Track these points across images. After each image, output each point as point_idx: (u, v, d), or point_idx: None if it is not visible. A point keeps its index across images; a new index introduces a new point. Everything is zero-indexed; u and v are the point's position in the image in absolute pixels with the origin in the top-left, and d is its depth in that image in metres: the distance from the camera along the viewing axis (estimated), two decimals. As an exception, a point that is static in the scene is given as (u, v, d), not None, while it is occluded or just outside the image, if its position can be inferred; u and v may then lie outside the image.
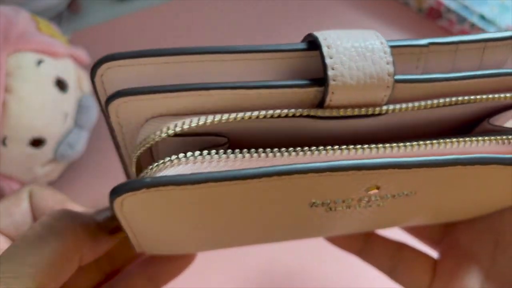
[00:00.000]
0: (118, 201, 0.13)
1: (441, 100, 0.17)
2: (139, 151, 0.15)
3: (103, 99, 0.15)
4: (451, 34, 0.49)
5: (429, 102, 0.17)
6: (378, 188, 0.16)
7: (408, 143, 0.16)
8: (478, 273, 0.21)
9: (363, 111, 0.16)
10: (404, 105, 0.17)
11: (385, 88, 0.16)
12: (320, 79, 0.15)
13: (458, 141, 0.16)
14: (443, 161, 0.15)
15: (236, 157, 0.14)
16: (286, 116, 0.15)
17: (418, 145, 0.16)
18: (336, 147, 0.15)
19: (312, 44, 0.16)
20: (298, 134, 0.18)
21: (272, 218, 0.18)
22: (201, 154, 0.14)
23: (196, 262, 0.24)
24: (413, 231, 0.26)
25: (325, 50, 0.15)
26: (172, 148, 0.16)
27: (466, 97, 0.17)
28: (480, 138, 0.17)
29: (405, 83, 0.16)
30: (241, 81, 0.15)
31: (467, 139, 0.16)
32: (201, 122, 0.14)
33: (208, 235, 0.19)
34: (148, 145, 0.15)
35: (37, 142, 0.36)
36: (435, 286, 0.23)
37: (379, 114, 0.17)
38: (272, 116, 0.15)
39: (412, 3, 0.52)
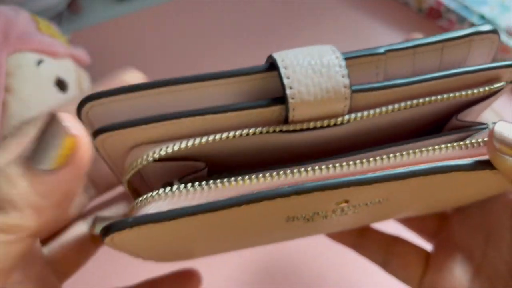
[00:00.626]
0: (108, 239, 0.15)
1: (403, 104, 0.18)
2: (127, 176, 0.16)
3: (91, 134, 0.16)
4: (451, 34, 0.49)
5: (390, 107, 0.18)
6: (347, 201, 0.17)
7: (371, 159, 0.16)
8: (469, 266, 0.22)
9: (325, 122, 0.17)
10: (365, 113, 0.17)
11: (343, 100, 0.17)
12: (281, 98, 0.16)
13: (420, 151, 0.17)
14: (402, 174, 0.15)
15: (209, 188, 0.15)
16: (254, 134, 0.16)
17: (381, 159, 0.16)
18: (302, 169, 0.16)
19: (272, 65, 0.16)
20: (270, 148, 0.18)
21: (254, 231, 0.19)
22: (178, 189, 0.15)
23: (193, 261, 0.24)
24: (409, 224, 0.26)
25: (282, 71, 0.16)
26: (157, 172, 0.17)
27: (427, 99, 0.18)
28: (443, 146, 0.17)
29: (364, 92, 0.17)
30: (209, 107, 0.16)
31: (429, 148, 0.17)
32: (176, 148, 0.16)
33: (198, 247, 0.20)
34: (133, 171, 0.16)
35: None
36: (427, 278, 0.23)
37: (342, 124, 0.17)
38: (241, 135, 0.16)
39: (412, 3, 0.52)
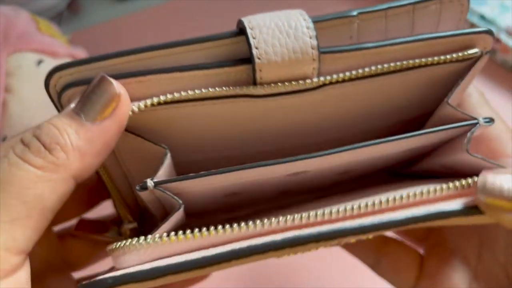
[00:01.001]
0: None
1: (373, 68, 0.17)
2: None
3: (58, 104, 0.17)
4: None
5: (360, 70, 0.17)
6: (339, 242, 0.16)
7: (363, 203, 0.16)
8: (465, 272, 0.21)
9: (294, 84, 0.17)
10: (335, 76, 0.17)
11: (312, 61, 0.17)
12: (248, 59, 0.16)
13: (414, 195, 0.16)
14: (393, 223, 0.15)
15: (194, 237, 0.15)
16: (225, 97, 0.17)
17: (373, 204, 0.15)
18: (289, 216, 0.15)
19: (242, 30, 0.17)
20: (241, 128, 0.19)
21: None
22: (158, 238, 0.15)
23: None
24: None
25: (249, 31, 0.16)
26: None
27: (398, 63, 0.18)
28: (431, 188, 0.16)
29: (333, 54, 0.17)
30: (176, 66, 0.16)
31: (417, 192, 0.16)
32: (142, 106, 0.16)
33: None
34: None
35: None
36: (422, 284, 0.22)
37: (313, 89, 0.17)
38: (210, 97, 0.16)
39: (412, 3, 0.52)
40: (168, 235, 0.15)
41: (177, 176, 0.18)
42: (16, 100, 0.34)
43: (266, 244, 0.14)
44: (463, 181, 0.16)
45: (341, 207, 0.15)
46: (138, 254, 0.15)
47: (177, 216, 0.16)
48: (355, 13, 0.18)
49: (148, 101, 0.16)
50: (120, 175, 0.20)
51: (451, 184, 0.16)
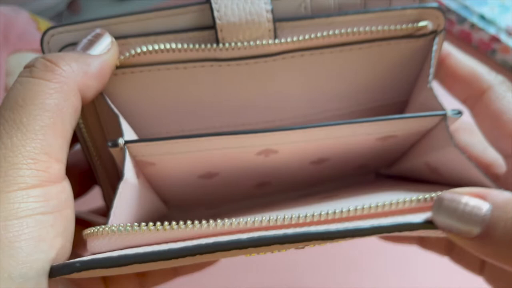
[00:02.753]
0: (56, 279, 0.15)
1: (325, 33, 0.19)
2: None
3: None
4: (451, 34, 0.49)
5: (318, 34, 0.19)
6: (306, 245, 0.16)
7: (331, 210, 0.16)
8: None
9: (252, 44, 0.19)
10: (289, 39, 0.19)
11: (267, 23, 0.19)
12: (212, 26, 0.19)
13: (383, 205, 0.16)
14: (358, 231, 0.15)
15: (164, 229, 0.16)
16: (194, 60, 0.19)
17: (341, 212, 0.16)
18: (263, 217, 0.16)
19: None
20: (212, 100, 0.21)
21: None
22: (132, 227, 0.15)
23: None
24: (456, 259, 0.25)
25: None
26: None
27: (349, 29, 0.19)
28: (406, 199, 0.16)
29: (287, 22, 0.19)
30: (151, 31, 0.19)
31: (386, 203, 0.16)
32: (133, 52, 0.19)
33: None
34: None
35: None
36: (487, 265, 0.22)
37: (273, 55, 0.19)
38: (181, 60, 0.19)
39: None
40: (139, 225, 0.15)
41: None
42: (16, 100, 0.34)
43: (231, 241, 0.14)
44: (432, 194, 0.16)
45: (309, 212, 0.16)
46: (109, 240, 0.15)
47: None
48: None
49: (132, 51, 0.19)
50: (103, 141, 0.21)
51: (420, 196, 0.16)
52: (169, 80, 0.20)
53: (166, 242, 0.16)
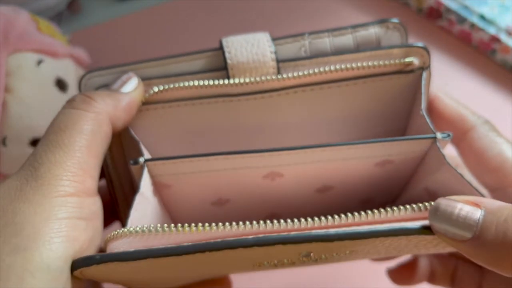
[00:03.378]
0: (77, 272, 0.17)
1: (322, 69, 0.22)
2: None
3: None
4: (451, 34, 0.49)
5: (316, 69, 0.22)
6: (309, 253, 0.17)
7: (330, 217, 0.17)
8: None
9: (259, 80, 0.22)
10: (295, 74, 0.22)
11: (271, 62, 0.22)
12: (224, 67, 0.22)
13: (379, 212, 0.17)
14: (360, 234, 0.16)
15: (178, 230, 0.17)
16: (209, 96, 0.22)
17: (340, 218, 0.17)
18: (268, 221, 0.17)
19: (220, 46, 0.22)
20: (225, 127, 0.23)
21: (222, 268, 0.21)
22: (149, 228, 0.17)
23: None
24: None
25: (224, 44, 0.22)
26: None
27: (343, 65, 0.22)
28: (401, 207, 0.17)
29: (289, 62, 0.22)
30: (173, 72, 0.22)
31: (388, 209, 0.17)
32: (156, 90, 0.22)
33: (169, 279, 0.21)
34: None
35: (37, 142, 0.36)
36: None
37: (278, 90, 0.22)
38: (198, 97, 0.22)
39: (412, 3, 0.52)
40: (157, 227, 0.17)
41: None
42: (16, 100, 0.34)
43: (238, 240, 0.16)
44: (426, 204, 0.17)
45: (310, 219, 0.17)
46: (129, 241, 0.17)
47: (140, 201, 0.19)
48: (306, 34, 0.23)
49: (156, 88, 0.22)
50: (126, 172, 0.23)
51: (417, 206, 0.17)
52: (186, 113, 0.22)
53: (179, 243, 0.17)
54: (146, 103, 0.22)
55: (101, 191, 0.23)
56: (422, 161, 0.22)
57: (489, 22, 0.46)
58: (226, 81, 0.22)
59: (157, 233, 0.17)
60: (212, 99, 0.22)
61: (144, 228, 0.17)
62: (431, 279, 0.27)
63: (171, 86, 0.21)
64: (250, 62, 0.22)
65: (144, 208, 0.20)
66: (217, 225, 0.17)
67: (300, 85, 0.22)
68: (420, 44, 0.22)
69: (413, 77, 0.23)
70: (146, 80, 0.22)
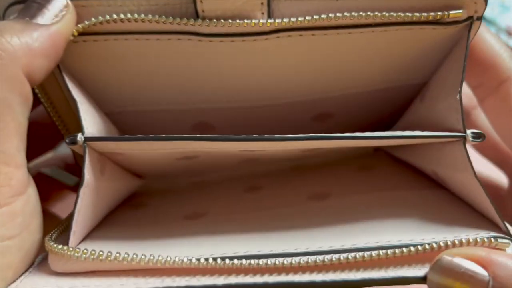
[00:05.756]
0: None
1: (332, 15, 0.16)
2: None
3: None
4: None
5: (320, 16, 0.15)
6: None
7: (314, 258, 0.14)
8: None
9: (239, 23, 0.15)
10: (286, 19, 0.16)
11: None
12: None
13: (365, 256, 0.15)
14: (345, 283, 0.14)
15: (137, 262, 0.14)
16: (169, 32, 0.16)
17: (331, 260, 0.14)
18: (246, 261, 0.14)
19: None
20: (190, 77, 0.18)
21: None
22: (104, 253, 0.15)
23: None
24: None
25: None
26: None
27: (364, 13, 0.16)
28: (397, 251, 0.15)
29: None
30: None
31: (373, 253, 0.15)
32: (93, 21, 0.16)
33: None
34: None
35: None
36: None
37: (265, 33, 0.16)
38: (155, 31, 0.16)
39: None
40: (94, 253, 0.14)
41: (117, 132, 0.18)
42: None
43: (206, 286, 0.14)
44: (420, 247, 0.14)
45: (295, 259, 0.14)
46: (73, 263, 0.15)
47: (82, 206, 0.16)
48: None
49: (87, 22, 0.16)
50: (62, 100, 0.19)
51: (412, 248, 0.14)
52: (139, 51, 0.17)
53: (135, 270, 0.15)
54: (81, 34, 0.16)
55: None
56: (441, 146, 0.17)
57: (489, 22, 0.46)
58: (196, 22, 0.16)
59: (108, 261, 0.14)
60: (174, 35, 0.16)
61: (92, 255, 0.14)
62: None
63: (115, 17, 0.15)
64: None
65: (92, 197, 0.17)
66: (180, 259, 0.14)
67: (297, 28, 0.16)
68: None
69: (454, 29, 0.17)
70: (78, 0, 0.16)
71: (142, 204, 0.21)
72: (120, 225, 0.19)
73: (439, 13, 0.16)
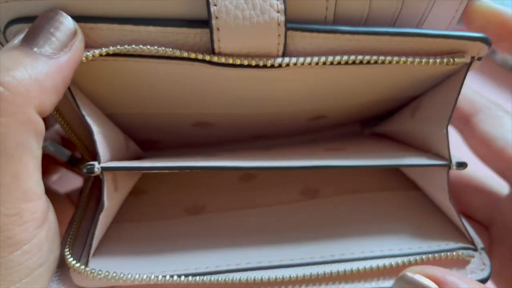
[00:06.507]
0: None
1: (346, 58, 0.16)
2: None
3: (3, 39, 0.16)
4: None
5: (330, 58, 0.16)
6: None
7: (306, 273, 0.16)
8: None
9: (254, 62, 0.15)
10: (301, 59, 0.15)
11: (276, 37, 0.15)
12: (206, 21, 0.15)
13: (345, 270, 0.17)
14: None
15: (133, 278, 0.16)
16: (181, 58, 0.15)
17: (324, 273, 0.17)
18: (244, 276, 0.16)
19: None
20: (196, 90, 0.18)
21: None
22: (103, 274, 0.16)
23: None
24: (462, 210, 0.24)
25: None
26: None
27: (375, 57, 0.16)
28: (411, 259, 0.17)
29: (302, 32, 0.15)
30: (129, 17, 0.15)
31: (360, 267, 0.17)
32: (97, 53, 0.15)
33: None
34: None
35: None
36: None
37: (273, 67, 0.16)
38: (166, 56, 0.15)
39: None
40: (108, 274, 0.16)
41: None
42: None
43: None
44: (393, 263, 0.17)
45: (286, 274, 0.16)
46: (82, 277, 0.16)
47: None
48: None
49: (97, 51, 0.15)
50: (75, 118, 0.19)
51: (393, 261, 0.17)
52: (148, 71, 0.16)
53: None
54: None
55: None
56: (424, 171, 0.20)
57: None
58: (208, 57, 0.15)
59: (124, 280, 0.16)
60: (186, 61, 0.16)
61: (111, 276, 0.16)
62: None
63: (127, 47, 0.15)
64: (247, 36, 0.15)
65: (105, 221, 0.18)
66: (191, 277, 0.16)
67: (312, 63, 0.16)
68: (481, 35, 0.16)
69: (455, 66, 0.17)
70: (87, 21, 0.15)
71: (141, 191, 0.22)
72: (126, 229, 0.19)
73: (445, 60, 0.16)
